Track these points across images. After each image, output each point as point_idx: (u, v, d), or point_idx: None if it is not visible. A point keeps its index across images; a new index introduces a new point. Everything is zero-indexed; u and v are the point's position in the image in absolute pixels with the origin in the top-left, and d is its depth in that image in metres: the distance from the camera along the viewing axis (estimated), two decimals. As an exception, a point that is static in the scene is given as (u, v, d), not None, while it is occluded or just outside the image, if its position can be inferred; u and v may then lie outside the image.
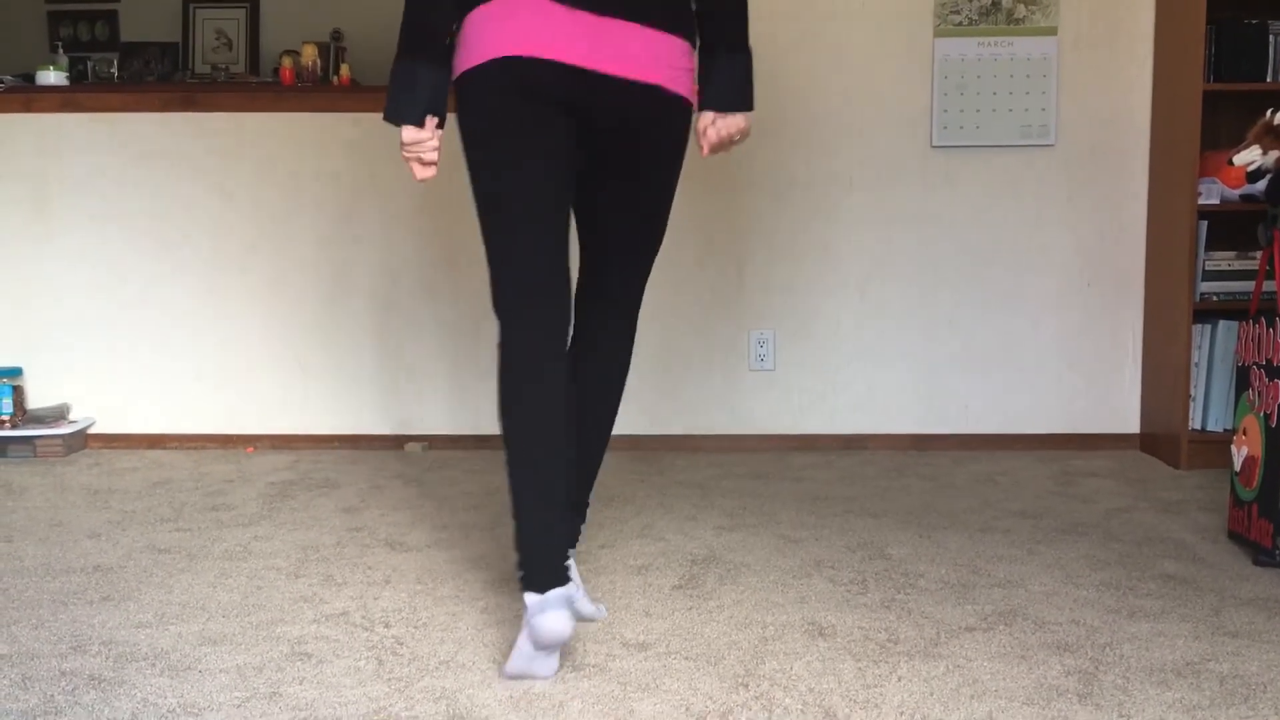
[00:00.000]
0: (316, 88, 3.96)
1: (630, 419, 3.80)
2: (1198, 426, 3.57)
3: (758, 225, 3.82)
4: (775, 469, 3.55)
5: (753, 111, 2.14)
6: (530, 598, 1.93)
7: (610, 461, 3.55)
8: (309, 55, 4.04)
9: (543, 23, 1.95)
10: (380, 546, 2.72)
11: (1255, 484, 2.58)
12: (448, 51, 2.03)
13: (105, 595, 2.37)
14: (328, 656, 2.03)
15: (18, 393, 3.79)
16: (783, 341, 3.86)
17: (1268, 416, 2.53)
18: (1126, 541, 2.74)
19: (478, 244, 3.81)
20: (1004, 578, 2.46)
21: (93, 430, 3.90)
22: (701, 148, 2.14)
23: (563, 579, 1.94)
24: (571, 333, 2.16)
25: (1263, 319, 2.59)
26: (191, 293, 3.87)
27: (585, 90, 1.98)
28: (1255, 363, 2.62)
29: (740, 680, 1.92)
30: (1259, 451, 2.56)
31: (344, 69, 4.00)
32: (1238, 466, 2.67)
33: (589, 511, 2.44)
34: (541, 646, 1.91)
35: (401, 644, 2.09)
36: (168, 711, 1.81)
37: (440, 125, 2.03)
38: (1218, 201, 3.52)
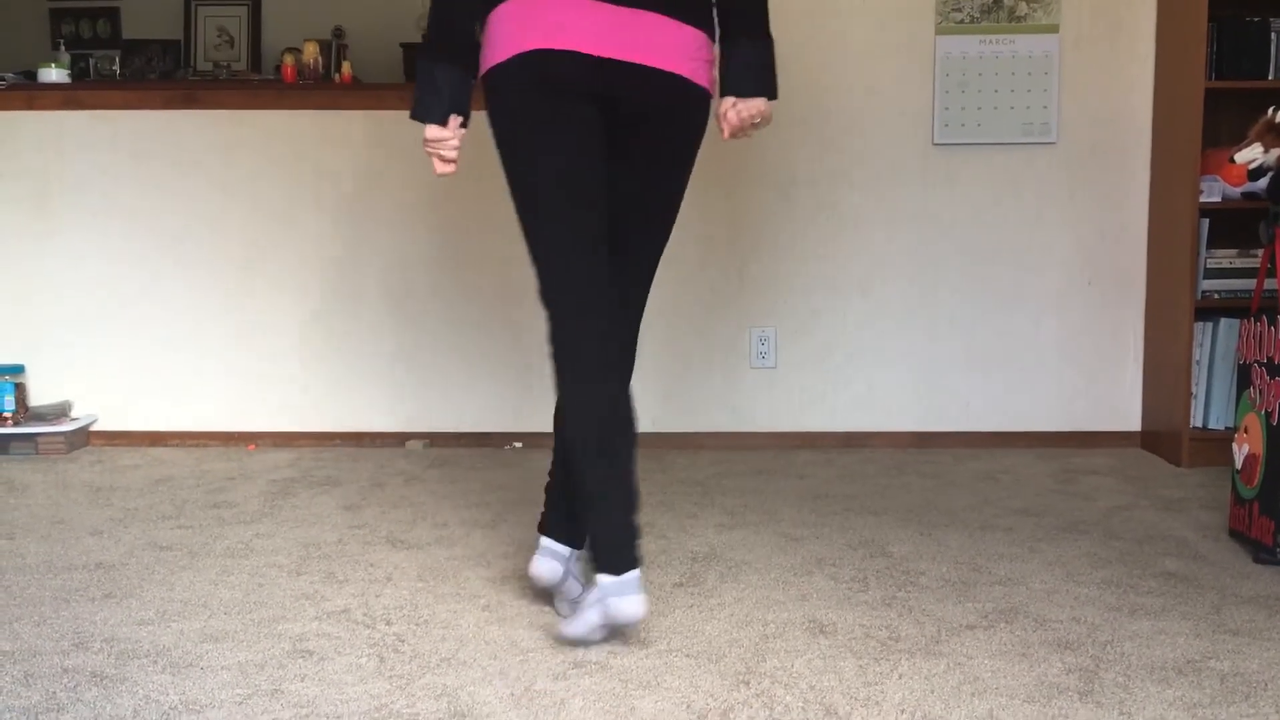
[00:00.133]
0: (318, 85, 3.96)
1: (631, 417, 3.80)
2: (1199, 424, 3.57)
3: (759, 223, 3.82)
4: (776, 467, 3.55)
5: (776, 99, 2.14)
6: (604, 579, 2.01)
7: (611, 459, 3.55)
8: (310, 53, 4.03)
9: (564, 16, 1.98)
10: (381, 544, 2.72)
11: (1256, 482, 2.58)
12: (471, 50, 2.08)
13: (107, 592, 2.37)
14: (329, 654, 2.04)
15: (20, 390, 3.79)
16: (784, 339, 3.86)
17: (1269, 414, 2.53)
18: (1127, 539, 2.74)
19: (480, 242, 3.87)
20: (1005, 575, 2.46)
21: (95, 427, 3.90)
22: (722, 130, 2.14)
23: (636, 562, 2.04)
24: None
25: (1264, 317, 2.59)
26: (193, 290, 3.87)
27: (609, 80, 2.01)
28: (1256, 360, 2.62)
29: (741, 678, 1.92)
30: (1260, 449, 2.56)
31: (345, 66, 3.99)
32: (1239, 464, 2.67)
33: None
34: (614, 624, 2.02)
35: (403, 641, 2.09)
36: (169, 708, 1.81)
37: (464, 124, 2.09)
38: (1219, 199, 3.52)
